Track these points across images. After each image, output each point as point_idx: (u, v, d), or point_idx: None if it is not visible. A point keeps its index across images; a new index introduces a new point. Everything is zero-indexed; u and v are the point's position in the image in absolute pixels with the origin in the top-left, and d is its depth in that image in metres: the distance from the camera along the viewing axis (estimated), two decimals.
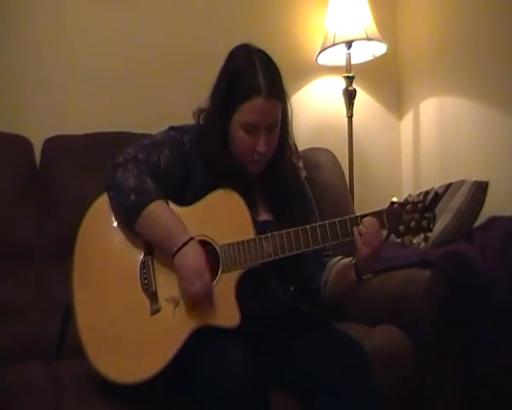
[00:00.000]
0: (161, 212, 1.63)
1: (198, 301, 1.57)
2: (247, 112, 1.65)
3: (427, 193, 1.68)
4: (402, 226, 1.66)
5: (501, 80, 2.53)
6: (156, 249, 1.65)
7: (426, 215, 1.66)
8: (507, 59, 2.50)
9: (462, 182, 2.39)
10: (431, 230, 1.67)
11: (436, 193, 1.69)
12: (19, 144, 2.26)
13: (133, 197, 1.61)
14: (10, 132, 2.25)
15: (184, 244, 1.58)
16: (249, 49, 1.72)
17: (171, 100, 2.63)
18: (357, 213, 1.68)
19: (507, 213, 2.29)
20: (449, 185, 2.42)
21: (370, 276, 1.67)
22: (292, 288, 1.80)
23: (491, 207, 2.37)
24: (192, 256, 1.58)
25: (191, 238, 1.59)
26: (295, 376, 1.63)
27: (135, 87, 2.64)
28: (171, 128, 1.77)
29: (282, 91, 1.70)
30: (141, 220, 1.61)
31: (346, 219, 1.65)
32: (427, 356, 1.97)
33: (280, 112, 1.70)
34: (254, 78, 1.64)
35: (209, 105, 1.74)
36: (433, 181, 2.65)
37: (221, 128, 1.69)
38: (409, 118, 3.07)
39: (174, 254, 1.58)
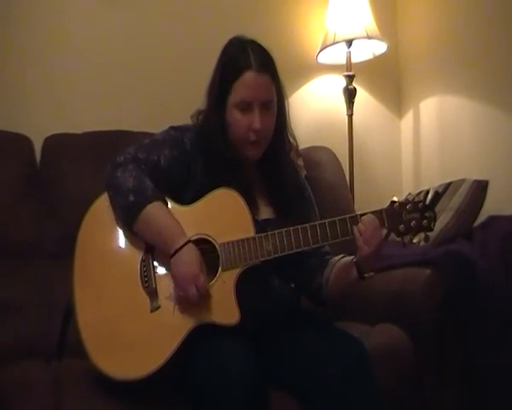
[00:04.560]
0: (159, 214, 1.62)
1: (194, 305, 1.57)
2: (240, 88, 1.67)
3: (427, 192, 1.68)
4: (402, 226, 1.66)
5: (501, 80, 2.53)
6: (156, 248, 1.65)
7: (426, 215, 1.66)
8: (507, 58, 2.50)
9: (462, 181, 2.38)
10: (431, 229, 1.67)
11: (436, 192, 1.67)
12: (19, 143, 2.26)
13: (132, 198, 1.61)
14: (10, 131, 2.25)
15: (179, 249, 1.57)
16: (242, 39, 1.75)
17: (171, 98, 2.63)
18: (358, 212, 1.68)
19: (507, 213, 2.29)
20: (449, 184, 2.41)
21: (372, 274, 1.67)
22: (292, 285, 1.80)
23: (491, 206, 2.36)
24: (185, 263, 1.57)
25: (187, 242, 1.59)
26: (295, 375, 1.63)
27: (135, 85, 2.64)
28: (172, 128, 1.77)
29: (274, 71, 1.72)
30: (139, 222, 1.61)
31: (345, 218, 1.65)
32: (427, 355, 1.97)
33: (274, 92, 1.71)
34: (245, 57, 1.68)
35: (206, 99, 1.75)
36: (433, 180, 2.65)
37: (219, 118, 1.71)
38: (409, 117, 3.07)
39: (171, 257, 1.58)
